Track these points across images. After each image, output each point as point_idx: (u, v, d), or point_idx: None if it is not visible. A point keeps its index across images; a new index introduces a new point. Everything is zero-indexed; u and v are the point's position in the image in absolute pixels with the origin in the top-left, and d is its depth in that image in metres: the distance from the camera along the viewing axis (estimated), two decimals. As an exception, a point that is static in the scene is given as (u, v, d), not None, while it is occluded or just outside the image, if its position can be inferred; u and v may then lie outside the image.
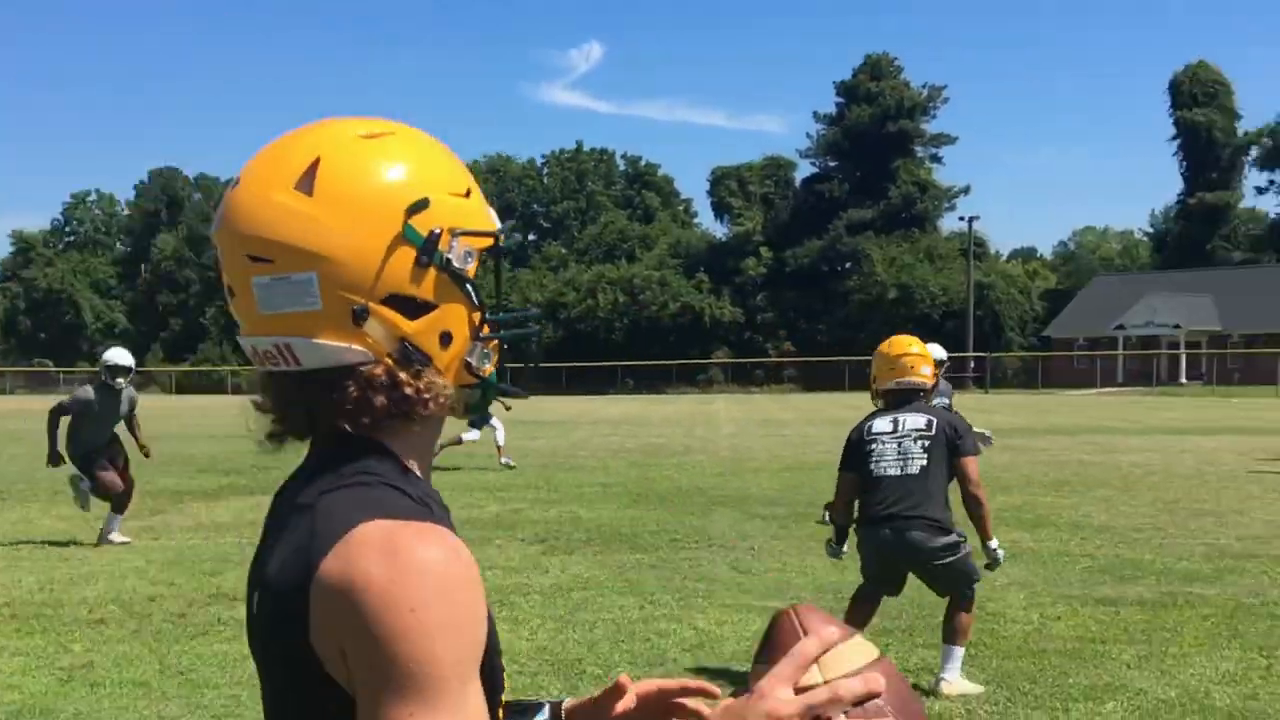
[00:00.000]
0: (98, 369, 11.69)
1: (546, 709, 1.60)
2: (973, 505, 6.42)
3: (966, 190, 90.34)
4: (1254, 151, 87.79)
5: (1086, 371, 72.53)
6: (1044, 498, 14.16)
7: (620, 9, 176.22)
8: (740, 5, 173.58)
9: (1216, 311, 72.56)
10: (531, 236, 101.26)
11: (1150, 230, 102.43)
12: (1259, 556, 9.58)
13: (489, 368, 1.45)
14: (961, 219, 74.34)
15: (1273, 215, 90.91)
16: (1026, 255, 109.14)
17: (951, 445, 6.35)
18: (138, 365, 12.69)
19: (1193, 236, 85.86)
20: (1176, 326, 70.09)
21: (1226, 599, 8.15)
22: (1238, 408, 39.29)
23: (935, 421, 6.45)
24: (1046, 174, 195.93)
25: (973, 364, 69.31)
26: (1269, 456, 19.14)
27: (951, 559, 6.39)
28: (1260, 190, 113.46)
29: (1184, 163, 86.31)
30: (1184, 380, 68.48)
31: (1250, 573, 8.92)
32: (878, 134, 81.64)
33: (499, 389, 1.47)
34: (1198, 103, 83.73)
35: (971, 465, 6.36)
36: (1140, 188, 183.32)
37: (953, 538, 6.40)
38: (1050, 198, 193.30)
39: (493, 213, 1.47)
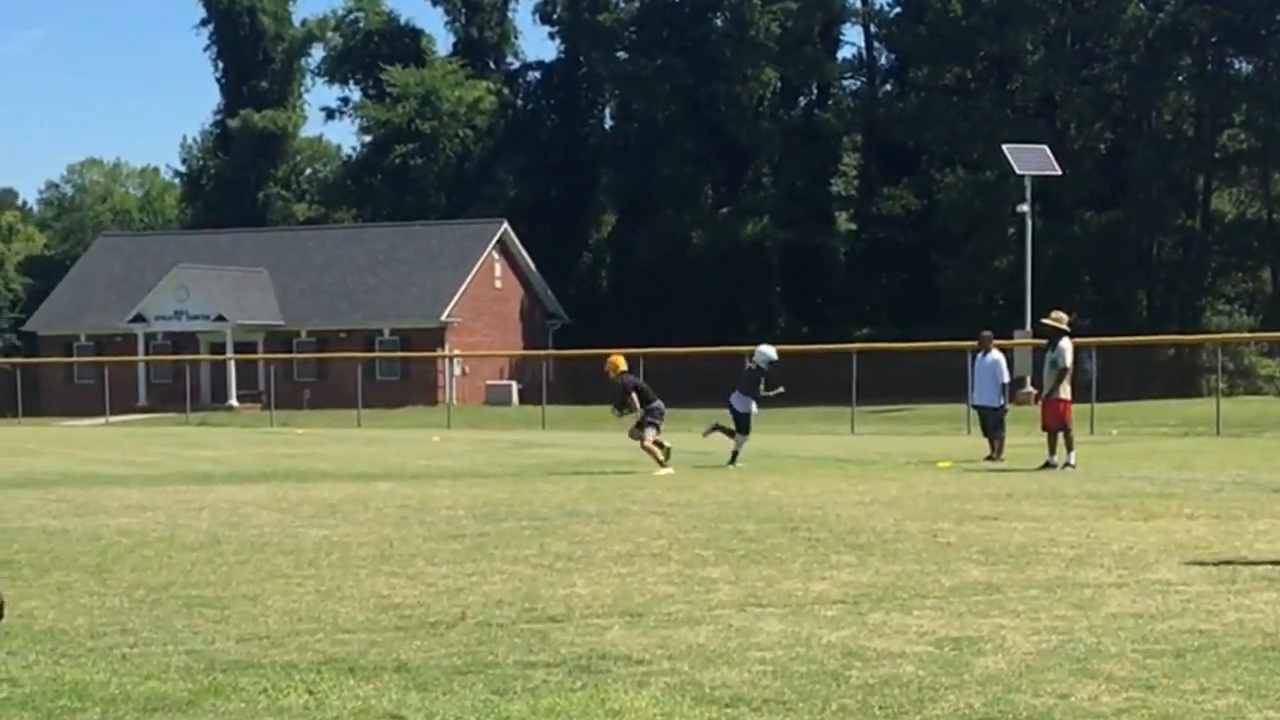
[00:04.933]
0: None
1: None
2: None
3: None
4: (317, 54, 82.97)
5: (92, 390, 59.77)
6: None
7: None
8: None
9: (275, 295, 66.21)
10: None
11: (182, 169, 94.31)
12: (260, 666, 9.30)
13: None
14: None
15: (350, 152, 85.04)
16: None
17: None
18: None
19: (239, 179, 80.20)
20: (220, 319, 63.19)
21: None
22: (302, 442, 38.80)
23: None
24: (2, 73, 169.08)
25: None
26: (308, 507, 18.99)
27: None
28: (330, 114, 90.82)
29: (221, 65, 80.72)
30: (235, 402, 62.00)
31: (243, 692, 8.50)
32: None
33: None
34: (249, -28, 76.38)
35: None
36: (169, 101, 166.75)
37: None
38: (26, 112, 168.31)
39: None
